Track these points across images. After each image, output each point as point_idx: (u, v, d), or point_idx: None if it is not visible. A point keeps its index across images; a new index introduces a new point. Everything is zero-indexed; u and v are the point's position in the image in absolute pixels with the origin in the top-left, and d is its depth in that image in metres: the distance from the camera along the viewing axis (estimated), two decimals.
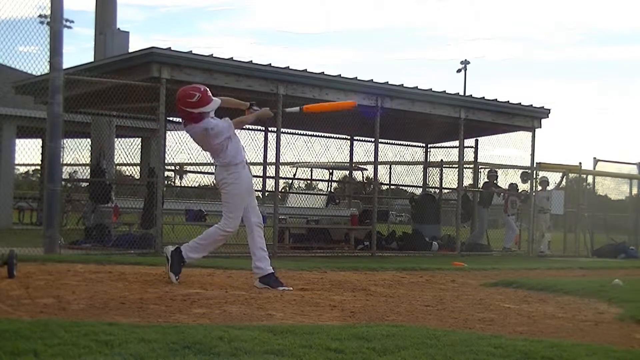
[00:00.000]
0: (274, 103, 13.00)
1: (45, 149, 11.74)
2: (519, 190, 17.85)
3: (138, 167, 17.38)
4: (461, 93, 18.40)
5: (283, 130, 13.44)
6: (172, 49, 11.98)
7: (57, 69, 10.24)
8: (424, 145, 18.77)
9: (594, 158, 18.69)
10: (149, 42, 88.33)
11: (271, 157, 14.85)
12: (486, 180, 17.85)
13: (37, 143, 22.79)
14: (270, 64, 12.89)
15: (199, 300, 5.43)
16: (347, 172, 19.49)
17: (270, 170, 14.77)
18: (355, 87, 13.90)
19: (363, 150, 17.33)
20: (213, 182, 23.64)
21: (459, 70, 47.84)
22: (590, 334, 4.79)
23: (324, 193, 19.27)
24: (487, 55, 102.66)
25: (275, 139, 13.49)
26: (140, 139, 16.98)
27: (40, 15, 11.10)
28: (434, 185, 18.90)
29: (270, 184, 15.30)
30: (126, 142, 15.98)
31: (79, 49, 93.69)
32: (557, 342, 4.09)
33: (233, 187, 6.83)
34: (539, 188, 17.28)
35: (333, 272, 8.24)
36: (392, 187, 20.14)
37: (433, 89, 15.14)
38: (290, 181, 20.04)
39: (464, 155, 16.32)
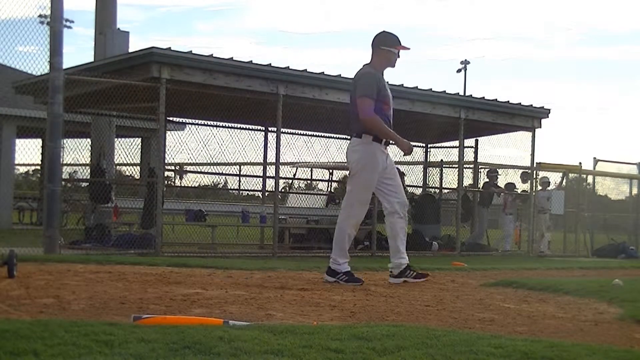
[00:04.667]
0: (274, 103, 13.03)
1: (45, 149, 11.76)
2: (518, 190, 17.83)
3: (138, 167, 17.39)
4: (461, 93, 18.43)
5: (283, 130, 13.45)
6: (172, 49, 11.99)
7: (57, 69, 10.24)
8: (423, 145, 18.77)
9: (594, 158, 18.73)
10: (148, 42, 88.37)
11: (271, 157, 14.85)
12: (486, 180, 17.85)
13: (37, 143, 22.82)
14: (270, 64, 12.89)
15: (198, 301, 5.43)
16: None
17: (270, 170, 14.78)
18: None
19: None
20: (213, 182, 23.79)
21: (459, 70, 47.92)
22: (590, 334, 4.79)
23: (324, 193, 19.27)
24: (487, 55, 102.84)
25: (275, 139, 13.50)
26: (140, 139, 16.99)
27: (40, 15, 11.11)
28: (434, 185, 18.90)
29: (270, 184, 15.31)
30: (126, 142, 16.00)
31: (78, 49, 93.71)
32: (557, 342, 4.08)
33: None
34: (539, 188, 17.28)
35: None
36: None
37: (433, 89, 15.15)
38: (290, 181, 20.04)
39: (464, 155, 16.33)
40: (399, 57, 7.22)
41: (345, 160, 7.41)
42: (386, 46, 7.16)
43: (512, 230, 17.94)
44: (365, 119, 7.01)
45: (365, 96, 6.98)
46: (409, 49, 7.23)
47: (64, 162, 11.68)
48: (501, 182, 18.15)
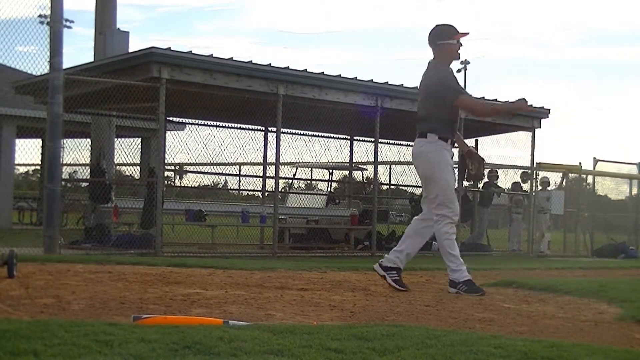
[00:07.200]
0: (274, 103, 13.03)
1: (45, 149, 11.76)
2: (524, 188, 17.81)
3: (138, 167, 17.39)
4: None
5: (283, 130, 13.44)
6: (172, 49, 11.98)
7: (57, 69, 10.24)
8: None
9: (594, 158, 18.71)
10: (148, 42, 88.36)
11: (271, 157, 14.85)
12: (486, 180, 17.84)
13: (37, 143, 22.82)
14: (270, 64, 12.89)
15: (198, 301, 5.43)
16: (347, 172, 19.49)
17: (270, 170, 14.77)
18: (355, 87, 13.91)
19: (363, 150, 17.34)
20: (213, 182, 23.77)
21: (459, 70, 47.74)
22: (590, 334, 4.79)
23: (324, 193, 19.27)
24: (487, 55, 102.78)
25: (275, 139, 13.50)
26: (140, 139, 16.99)
27: (40, 15, 11.10)
28: None
29: (270, 184, 15.30)
30: (126, 142, 16.00)
31: (78, 49, 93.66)
32: (557, 342, 4.08)
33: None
34: (539, 188, 17.29)
35: (333, 272, 8.23)
36: (392, 187, 20.13)
37: None
38: (290, 181, 20.04)
39: None
40: (461, 45, 6.94)
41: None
42: (444, 40, 6.85)
43: (520, 230, 17.91)
44: (483, 110, 7.40)
45: (462, 94, 6.89)
46: (468, 33, 6.93)
47: (64, 162, 11.68)
48: (501, 182, 18.14)
